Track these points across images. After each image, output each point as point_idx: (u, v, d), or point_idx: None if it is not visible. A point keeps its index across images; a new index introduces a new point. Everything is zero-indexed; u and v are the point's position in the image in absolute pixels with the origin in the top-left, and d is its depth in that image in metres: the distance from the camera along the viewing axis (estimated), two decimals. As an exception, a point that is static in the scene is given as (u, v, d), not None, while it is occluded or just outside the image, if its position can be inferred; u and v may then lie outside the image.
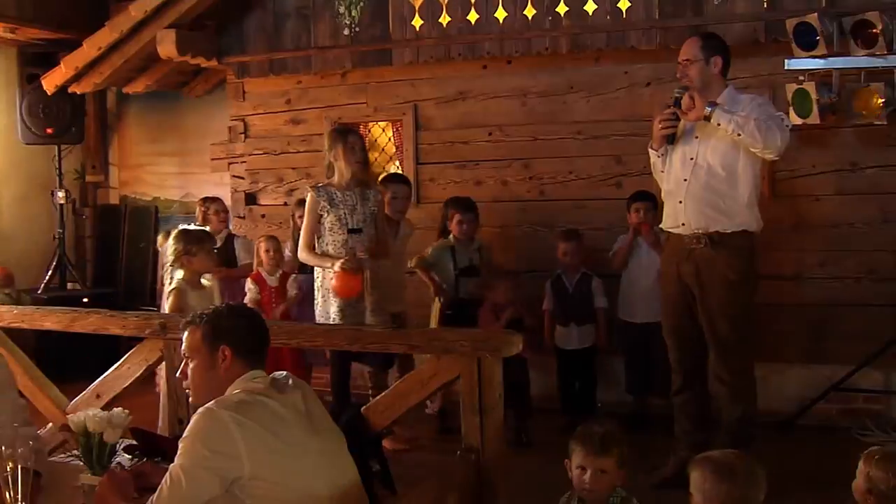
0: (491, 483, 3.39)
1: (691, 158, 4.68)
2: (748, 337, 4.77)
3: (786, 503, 4.67)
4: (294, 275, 6.60)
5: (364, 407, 3.67)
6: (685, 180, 4.70)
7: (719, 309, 4.68)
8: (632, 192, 6.08)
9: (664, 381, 5.40)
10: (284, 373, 2.92)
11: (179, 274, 4.99)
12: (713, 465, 2.70)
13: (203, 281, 5.16)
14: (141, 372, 4.12)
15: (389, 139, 7.40)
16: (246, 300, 6.25)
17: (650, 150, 4.93)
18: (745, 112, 4.53)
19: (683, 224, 4.73)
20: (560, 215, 6.57)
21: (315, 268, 5.45)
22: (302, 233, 5.41)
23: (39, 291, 7.88)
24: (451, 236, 6.16)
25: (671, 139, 4.74)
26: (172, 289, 4.97)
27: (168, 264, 5.16)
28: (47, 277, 7.97)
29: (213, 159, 7.93)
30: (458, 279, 6.09)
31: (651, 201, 5.86)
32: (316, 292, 5.42)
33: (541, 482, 4.65)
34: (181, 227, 5.35)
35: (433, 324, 6.05)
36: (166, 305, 5.08)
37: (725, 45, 4.77)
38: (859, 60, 5.34)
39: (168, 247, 5.20)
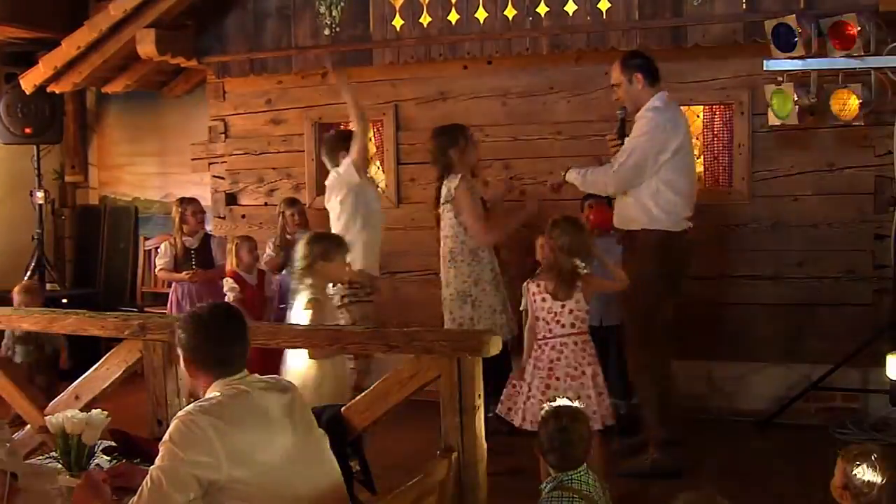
0: (471, 483, 3.39)
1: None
2: (650, 337, 4.94)
3: (764, 501, 4.73)
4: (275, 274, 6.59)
5: (344, 407, 3.66)
6: None
7: (623, 305, 5.03)
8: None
9: (624, 383, 5.49)
10: (268, 375, 2.92)
11: (309, 281, 4.58)
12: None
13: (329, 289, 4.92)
14: (120, 373, 4.10)
15: (370, 139, 7.38)
16: (228, 300, 6.19)
17: None
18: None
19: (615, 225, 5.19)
20: (540, 215, 6.55)
21: None
22: (476, 218, 5.42)
23: (18, 292, 7.81)
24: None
25: None
26: (312, 299, 4.49)
27: (298, 270, 4.67)
28: (26, 278, 7.91)
29: (193, 159, 7.89)
30: None
31: (599, 198, 5.82)
32: None
33: (517, 479, 4.69)
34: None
35: None
36: (304, 317, 4.43)
37: (644, 60, 5.10)
38: (837, 62, 5.37)
39: (298, 252, 4.70)
